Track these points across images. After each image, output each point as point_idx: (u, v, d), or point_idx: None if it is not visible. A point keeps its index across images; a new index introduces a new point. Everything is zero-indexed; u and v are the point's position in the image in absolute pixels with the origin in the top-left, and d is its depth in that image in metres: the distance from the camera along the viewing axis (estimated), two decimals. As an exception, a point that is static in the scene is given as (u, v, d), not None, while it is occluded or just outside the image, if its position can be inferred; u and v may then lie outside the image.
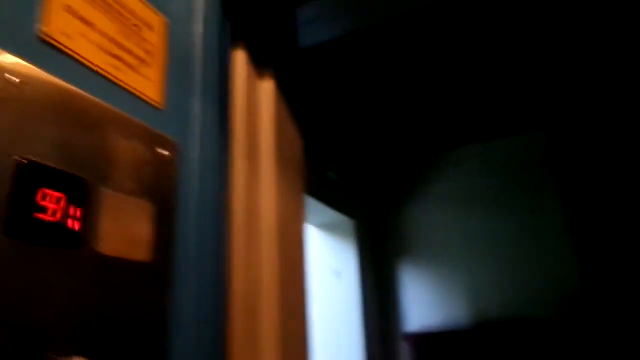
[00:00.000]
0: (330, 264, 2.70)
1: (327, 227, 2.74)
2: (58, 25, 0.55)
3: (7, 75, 0.48)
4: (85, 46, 0.58)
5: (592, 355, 2.32)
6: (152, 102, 0.69)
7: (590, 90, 2.40)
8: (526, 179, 2.77)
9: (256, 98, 1.02)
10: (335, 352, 2.52)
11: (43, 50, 0.53)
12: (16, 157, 0.48)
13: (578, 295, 2.46)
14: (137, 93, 0.66)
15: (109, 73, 0.61)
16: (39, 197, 0.49)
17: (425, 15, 1.71)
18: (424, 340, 2.66)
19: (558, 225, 2.62)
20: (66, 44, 0.56)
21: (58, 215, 0.51)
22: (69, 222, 0.52)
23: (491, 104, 2.55)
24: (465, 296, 2.77)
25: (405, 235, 2.97)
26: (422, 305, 2.83)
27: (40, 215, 0.49)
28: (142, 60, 0.68)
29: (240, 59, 0.98)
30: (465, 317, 2.74)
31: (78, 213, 0.53)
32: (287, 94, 1.10)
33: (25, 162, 0.49)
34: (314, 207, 2.40)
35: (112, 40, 0.63)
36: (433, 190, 2.99)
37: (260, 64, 1.04)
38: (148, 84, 0.68)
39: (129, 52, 0.65)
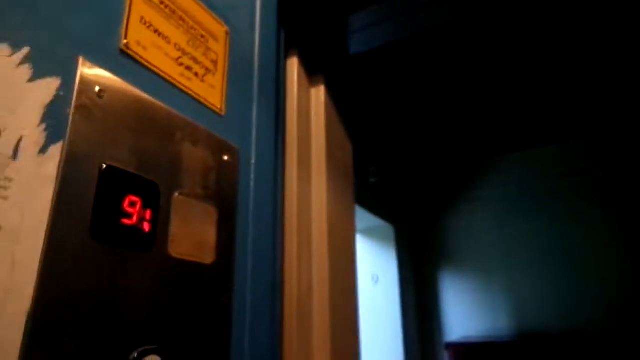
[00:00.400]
0: (369, 270, 2.69)
1: (367, 232, 2.74)
2: (136, 37, 0.58)
3: (94, 86, 0.52)
4: (159, 57, 0.61)
5: None
6: (216, 110, 0.71)
7: (632, 96, 2.30)
8: (570, 186, 2.67)
9: (308, 104, 1.03)
10: (375, 358, 2.50)
11: (124, 61, 0.56)
12: (101, 163, 0.51)
13: (630, 307, 2.34)
14: (204, 101, 0.68)
15: (179, 82, 0.64)
16: (126, 203, 0.52)
17: (472, 24, 1.69)
18: (465, 350, 2.60)
19: (606, 234, 2.51)
20: (143, 55, 0.59)
21: (135, 219, 0.54)
22: (145, 226, 0.55)
23: (534, 112, 2.49)
24: (508, 306, 2.70)
25: (446, 242, 2.92)
26: (463, 314, 2.78)
27: (126, 221, 0.52)
28: (207, 70, 0.70)
29: (293, 66, 1.00)
30: (507, 329, 2.66)
31: (151, 217, 0.56)
32: (337, 100, 1.11)
33: (109, 167, 0.51)
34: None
35: (182, 50, 0.66)
36: (475, 197, 2.93)
37: (312, 71, 1.05)
38: (213, 92, 0.71)
39: (197, 61, 0.68)
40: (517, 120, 2.57)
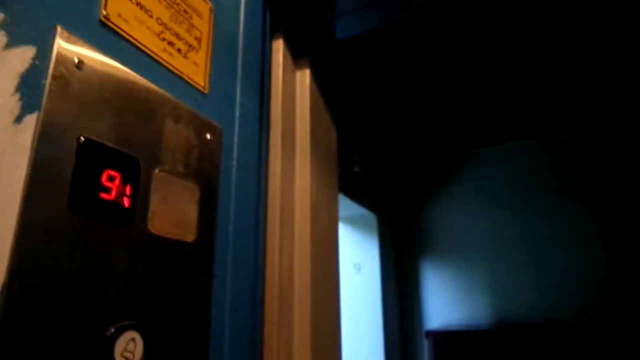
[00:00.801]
0: (352, 258, 2.71)
1: (350, 221, 2.75)
2: (116, 9, 0.57)
3: (73, 57, 0.50)
4: (140, 30, 0.60)
5: None
6: (199, 88, 0.70)
7: (614, 92, 2.35)
8: (551, 180, 2.72)
9: (293, 87, 1.03)
10: (356, 345, 2.53)
11: (103, 33, 0.55)
12: (79, 136, 0.50)
13: (606, 300, 2.41)
14: (186, 78, 0.67)
15: (161, 58, 0.63)
16: (104, 177, 0.51)
17: (456, 13, 1.70)
18: (445, 338, 2.65)
19: (585, 228, 2.57)
20: (123, 28, 0.57)
21: (114, 194, 0.53)
22: (125, 201, 0.54)
23: (516, 106, 2.52)
24: (487, 296, 2.75)
25: (427, 232, 2.95)
26: (444, 302, 2.82)
27: (104, 195, 0.51)
28: (190, 46, 0.69)
29: (279, 48, 0.99)
30: (487, 318, 2.72)
31: (131, 192, 0.55)
32: (322, 84, 1.10)
33: (88, 140, 0.50)
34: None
35: (165, 25, 0.64)
36: (457, 189, 2.96)
37: (298, 54, 1.05)
38: (196, 69, 0.69)
39: (180, 37, 0.67)
40: (499, 113, 2.60)
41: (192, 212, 0.64)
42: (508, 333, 2.56)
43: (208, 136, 0.70)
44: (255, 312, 0.77)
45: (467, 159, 2.97)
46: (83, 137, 0.50)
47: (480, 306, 2.71)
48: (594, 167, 2.63)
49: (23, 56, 0.46)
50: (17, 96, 0.45)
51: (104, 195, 0.51)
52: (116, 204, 0.53)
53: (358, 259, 2.68)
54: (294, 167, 0.95)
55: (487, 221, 2.77)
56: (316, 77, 1.07)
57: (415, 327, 2.82)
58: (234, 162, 0.76)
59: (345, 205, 2.52)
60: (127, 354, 0.51)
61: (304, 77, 1.05)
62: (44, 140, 0.46)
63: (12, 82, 0.44)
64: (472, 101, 2.46)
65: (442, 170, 3.01)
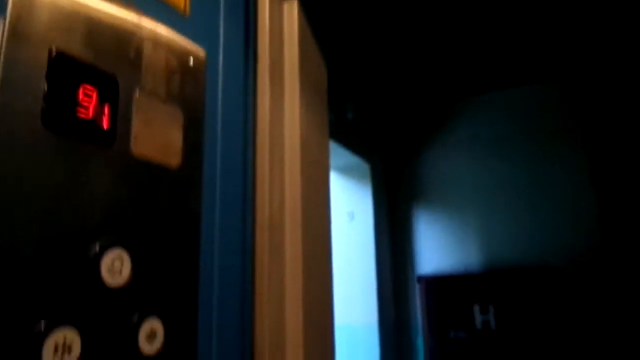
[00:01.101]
0: (345, 207, 2.73)
1: (343, 170, 2.75)
2: None
3: (36, -43, 0.47)
4: (111, -61, 0.56)
5: (607, 305, 2.35)
6: (179, 9, 0.67)
7: (606, 41, 2.31)
8: (544, 127, 2.71)
9: (281, 19, 0.99)
10: (349, 292, 2.59)
11: (70, -63, 0.51)
12: (50, 46, 0.47)
13: (596, 244, 2.46)
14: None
15: (136, -29, 0.59)
16: (80, 93, 0.49)
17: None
18: (437, 283, 2.72)
19: (577, 175, 2.59)
20: None
21: (91, 112, 0.51)
22: (104, 121, 0.52)
23: (511, 54, 2.46)
24: (480, 242, 2.80)
25: (421, 180, 2.96)
26: (436, 249, 2.87)
27: (82, 113, 0.49)
28: (168, -37, 0.65)
29: (264, -24, 0.94)
30: (478, 264, 2.78)
31: (110, 112, 0.53)
32: (311, 18, 1.06)
33: (61, 54, 0.48)
34: (330, 149, 2.40)
35: (138, -64, 0.60)
36: (450, 137, 2.95)
37: (285, -16, 1.00)
38: (175, -12, 0.66)
39: (155, -49, 0.63)
40: (494, 61, 2.55)
41: (176, 137, 0.62)
42: (499, 277, 2.62)
43: (191, 60, 0.67)
44: (245, 241, 0.77)
45: (461, 108, 2.94)
46: (55, 48, 0.48)
47: (472, 252, 2.77)
48: (585, 114, 2.61)
49: (-18, -45, 0.43)
50: (-21, -1, 0.42)
51: (81, 113, 0.49)
52: (94, 123, 0.51)
53: (351, 208, 2.70)
54: (283, 100, 0.92)
55: (479, 168, 2.78)
56: (305, 11, 1.03)
57: (408, 273, 2.88)
58: (220, 88, 0.74)
59: (339, 154, 2.50)
60: (114, 273, 0.50)
61: (291, 10, 1.00)
62: (12, 48, 0.44)
63: (-29, -17, 0.41)
64: (467, 49, 2.40)
65: (435, 119, 2.99)
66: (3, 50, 0.43)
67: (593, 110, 2.61)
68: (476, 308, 2.59)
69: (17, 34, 0.44)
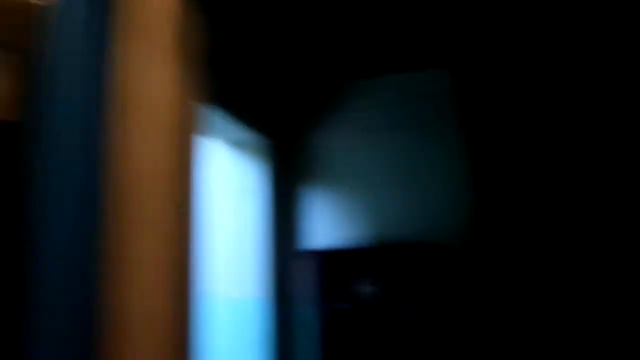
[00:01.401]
0: (238, 182, 2.72)
1: (237, 144, 2.73)
2: None
3: None
4: None
5: (489, 281, 2.63)
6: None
7: (490, 30, 2.53)
8: (431, 112, 2.93)
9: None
10: (240, 267, 2.61)
11: None
12: None
13: (475, 223, 2.72)
14: None
15: None
16: None
17: None
18: (325, 257, 2.83)
19: (457, 156, 2.83)
20: None
21: None
22: None
23: (398, 38, 2.60)
24: (369, 219, 2.96)
25: (314, 158, 3.05)
26: (326, 225, 2.99)
27: None
28: None
29: None
30: (367, 238, 2.94)
31: None
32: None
33: None
34: (225, 123, 2.36)
35: None
36: (343, 118, 3.06)
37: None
38: None
39: None
40: (381, 45, 2.67)
41: (7, 86, 0.58)
42: (386, 251, 2.80)
43: (36, 10, 0.62)
44: (96, 204, 0.74)
45: (355, 90, 3.06)
46: None
47: (361, 227, 2.92)
48: (466, 100, 2.87)
49: None
50: None
51: None
52: None
53: (244, 183, 2.70)
54: (150, 54, 0.89)
55: (368, 148, 2.93)
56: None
57: (298, 247, 2.97)
58: (71, 36, 0.69)
59: (232, 128, 2.48)
60: None
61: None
62: None
63: None
64: (355, 32, 2.49)
65: (329, 100, 3.08)
66: None
67: (474, 96, 2.86)
68: (362, 281, 2.75)
69: None
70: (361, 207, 2.98)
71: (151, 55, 0.91)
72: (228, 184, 2.72)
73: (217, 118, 2.22)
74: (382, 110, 2.98)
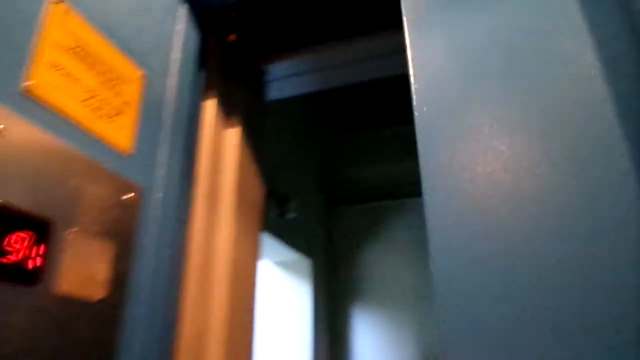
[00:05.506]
0: (285, 302, 2.72)
1: (284, 265, 2.78)
2: (42, 79, 0.60)
3: (-9, 126, 0.53)
4: (65, 98, 0.64)
5: None
6: (123, 149, 0.74)
7: None
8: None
9: (221, 145, 1.08)
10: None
11: (27, 101, 0.58)
12: (-10, 200, 0.52)
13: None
14: (110, 141, 0.71)
15: (84, 123, 0.66)
16: (5, 242, 0.53)
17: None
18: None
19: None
20: (46, 96, 0.61)
21: (20, 256, 0.55)
22: (29, 263, 0.56)
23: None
24: (416, 344, 2.83)
25: (359, 278, 3.03)
26: (373, 347, 2.88)
27: (5, 259, 0.53)
28: (119, 111, 0.73)
29: (209, 108, 1.05)
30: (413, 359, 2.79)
31: (40, 252, 0.57)
32: (252, 141, 1.17)
33: (-2, 205, 0.53)
34: (273, 245, 2.44)
35: (93, 92, 0.69)
36: (386, 237, 3.09)
37: (228, 113, 1.11)
38: (122, 132, 0.74)
39: (108, 102, 0.71)
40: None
41: (102, 271, 0.66)
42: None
43: (127, 196, 0.73)
44: (164, 368, 0.78)
45: (395, 208, 3.13)
46: (-5, 201, 0.52)
47: (408, 351, 2.79)
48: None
49: (-60, 126, 0.48)
50: None
51: (7, 258, 0.53)
52: (19, 265, 0.55)
53: (291, 303, 2.70)
54: (218, 221, 0.99)
55: (414, 268, 2.90)
56: (245, 136, 1.14)
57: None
58: (155, 220, 0.79)
59: (281, 251, 2.55)
60: (19, 417, 0.51)
61: (233, 136, 1.11)
62: (-48, 205, 0.48)
63: None
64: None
65: (373, 219, 3.15)
66: (-56, 207, 0.47)
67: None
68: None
69: (-40, 191, 0.49)
70: (408, 329, 2.87)
71: (218, 214, 1.00)
72: (274, 303, 2.73)
73: (266, 241, 2.31)
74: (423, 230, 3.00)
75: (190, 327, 0.86)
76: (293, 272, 2.79)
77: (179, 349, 0.83)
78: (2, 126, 0.55)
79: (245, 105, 1.15)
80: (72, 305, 0.61)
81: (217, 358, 0.88)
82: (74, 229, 0.63)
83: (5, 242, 0.53)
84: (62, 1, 0.65)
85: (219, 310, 0.91)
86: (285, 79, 1.15)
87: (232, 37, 1.09)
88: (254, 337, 1.01)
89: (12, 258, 0.54)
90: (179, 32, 0.95)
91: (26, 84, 0.58)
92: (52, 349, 0.57)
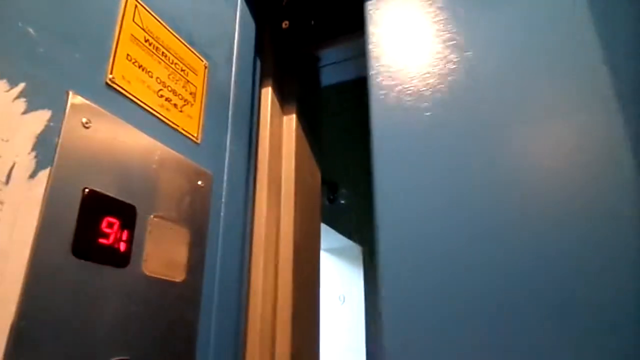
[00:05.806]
0: (336, 290, 2.74)
1: (336, 252, 2.80)
2: (121, 72, 0.64)
3: (81, 117, 0.57)
4: (141, 90, 0.67)
5: None
6: (193, 138, 0.77)
7: None
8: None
9: (280, 131, 1.10)
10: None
11: (109, 94, 0.62)
12: (84, 187, 0.56)
13: None
14: (182, 130, 0.74)
15: (160, 113, 0.69)
16: (103, 224, 0.57)
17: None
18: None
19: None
20: (126, 88, 0.64)
21: (112, 239, 0.59)
22: (121, 245, 0.60)
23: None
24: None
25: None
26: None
27: (102, 240, 0.56)
28: (186, 101, 0.76)
29: (267, 95, 1.07)
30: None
31: (127, 237, 0.61)
32: (307, 128, 1.18)
33: (91, 191, 0.56)
34: (323, 232, 2.47)
35: (163, 83, 0.71)
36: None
37: (285, 100, 1.12)
38: (190, 121, 0.76)
39: (176, 93, 0.74)
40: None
41: (182, 254, 0.70)
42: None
43: (200, 182, 0.76)
44: (237, 346, 0.81)
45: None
46: (87, 188, 0.56)
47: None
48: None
49: (40, 119, 0.52)
50: (33, 154, 0.51)
51: (102, 241, 0.57)
52: (113, 248, 0.59)
53: (343, 291, 2.72)
54: (279, 207, 1.01)
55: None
56: (301, 122, 1.15)
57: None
58: (223, 206, 0.82)
59: (333, 237, 2.57)
60: (118, 388, 0.55)
61: (290, 122, 1.12)
62: (53, 192, 0.52)
63: (29, 143, 0.51)
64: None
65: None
66: (47, 194, 0.51)
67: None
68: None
69: (58, 179, 0.53)
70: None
71: (279, 204, 1.02)
72: (328, 292, 2.76)
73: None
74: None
75: (258, 310, 0.89)
76: (344, 259, 2.81)
77: (248, 328, 0.86)
78: (85, 119, 0.58)
79: (300, 91, 1.16)
80: (160, 285, 0.64)
81: (285, 338, 0.90)
82: (155, 215, 0.66)
83: (103, 225, 0.57)
84: (134, -3, 0.68)
85: (285, 293, 0.93)
86: (339, 64, 1.15)
87: (285, 23, 1.10)
88: (319, 318, 1.03)
89: (108, 240, 0.57)
90: (238, 22, 0.97)
91: (109, 77, 0.61)
92: (144, 328, 0.61)
